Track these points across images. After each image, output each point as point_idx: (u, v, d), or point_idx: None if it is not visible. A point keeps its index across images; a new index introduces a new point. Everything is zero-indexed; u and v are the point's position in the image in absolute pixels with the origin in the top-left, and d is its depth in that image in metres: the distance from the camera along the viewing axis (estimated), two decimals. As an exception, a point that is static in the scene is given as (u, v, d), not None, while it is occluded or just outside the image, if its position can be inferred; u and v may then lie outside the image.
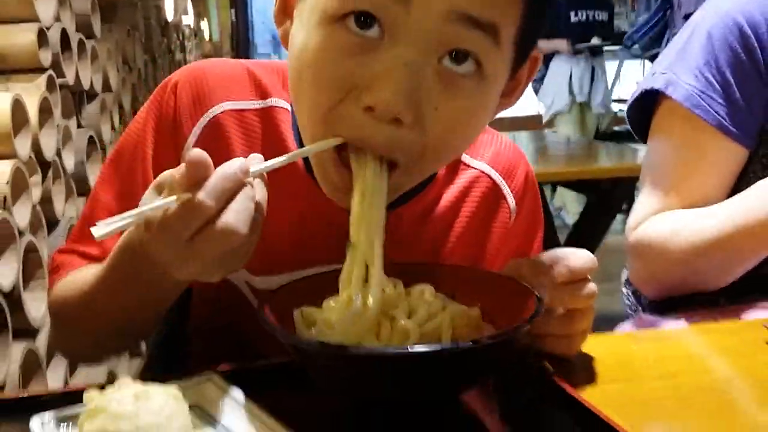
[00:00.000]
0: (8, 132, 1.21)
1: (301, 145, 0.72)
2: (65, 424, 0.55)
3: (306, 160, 0.72)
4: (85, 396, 0.52)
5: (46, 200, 1.44)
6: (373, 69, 0.57)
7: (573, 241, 2.63)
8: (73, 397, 0.59)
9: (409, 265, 0.70)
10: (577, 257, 0.67)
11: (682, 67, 1.02)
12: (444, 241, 0.78)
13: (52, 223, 1.50)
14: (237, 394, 0.61)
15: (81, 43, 1.76)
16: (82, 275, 0.70)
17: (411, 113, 0.58)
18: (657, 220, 1.02)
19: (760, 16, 0.99)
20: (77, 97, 1.79)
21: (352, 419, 0.60)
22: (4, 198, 1.18)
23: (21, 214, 1.27)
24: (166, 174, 0.56)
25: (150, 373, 0.85)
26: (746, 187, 1.01)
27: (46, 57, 1.49)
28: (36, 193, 1.36)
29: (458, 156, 0.77)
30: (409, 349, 0.52)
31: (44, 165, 1.44)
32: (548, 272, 0.67)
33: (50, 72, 1.50)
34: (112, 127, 2.04)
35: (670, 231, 0.99)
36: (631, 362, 0.74)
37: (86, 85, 1.79)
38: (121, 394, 0.51)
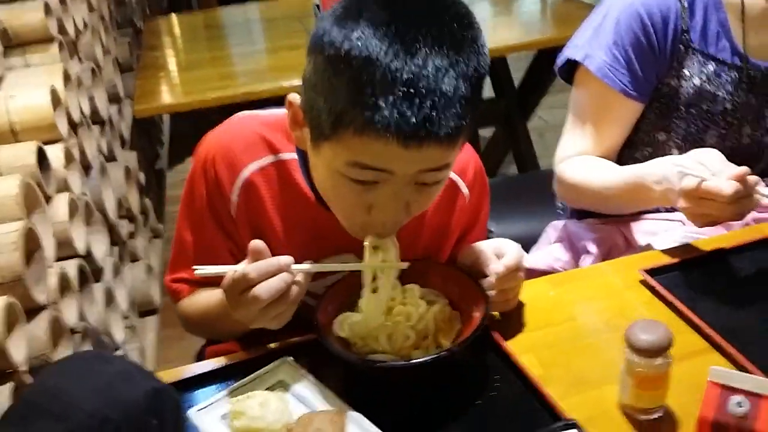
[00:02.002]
0: (53, 122, 1.47)
1: (311, 186, 1.04)
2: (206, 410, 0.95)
3: (316, 193, 1.03)
4: (230, 401, 0.91)
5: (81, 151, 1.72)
6: (375, 198, 0.90)
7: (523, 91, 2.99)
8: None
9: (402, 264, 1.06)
10: (510, 257, 1.03)
11: (596, 43, 1.34)
12: (420, 228, 1.12)
13: (86, 168, 1.79)
14: (303, 371, 1.00)
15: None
16: (197, 303, 1.10)
17: (405, 216, 0.92)
18: (576, 164, 1.38)
19: (656, 8, 1.30)
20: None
21: (376, 383, 1.00)
22: (65, 180, 1.48)
23: (75, 184, 1.56)
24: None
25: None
26: (641, 126, 1.38)
27: (53, 25, 1.69)
28: (76, 153, 1.64)
29: None
30: (411, 362, 0.92)
31: (72, 123, 1.70)
32: (491, 263, 1.04)
33: (60, 38, 1.70)
34: (102, 45, 2.24)
35: (583, 178, 1.36)
36: (545, 309, 1.12)
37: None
38: (252, 402, 0.89)
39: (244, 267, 0.89)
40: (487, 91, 3.58)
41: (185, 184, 1.10)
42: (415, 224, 1.10)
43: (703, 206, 1.10)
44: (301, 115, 0.92)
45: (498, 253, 1.06)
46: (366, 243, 0.96)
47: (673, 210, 1.44)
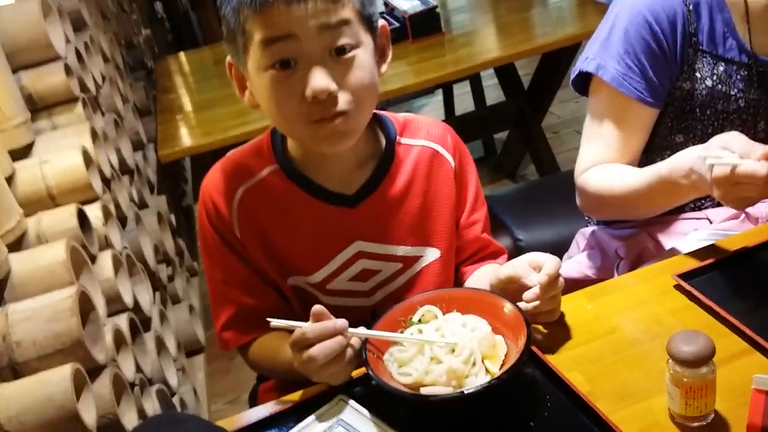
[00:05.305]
0: (88, 182, 1.52)
1: (302, 186, 1.13)
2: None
3: (301, 182, 1.14)
4: None
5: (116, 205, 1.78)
6: (302, 78, 1.00)
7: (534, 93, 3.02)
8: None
9: (441, 293, 1.11)
10: (549, 266, 1.06)
11: (607, 54, 1.37)
12: (412, 199, 1.19)
13: (122, 220, 1.84)
14: (359, 407, 1.04)
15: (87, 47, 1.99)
16: (265, 355, 1.19)
17: (333, 84, 1.00)
18: (596, 173, 1.41)
19: (663, 14, 1.33)
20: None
21: (431, 414, 1.04)
22: (105, 237, 1.53)
23: (115, 239, 1.62)
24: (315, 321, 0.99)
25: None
26: (659, 131, 1.40)
27: (75, 85, 1.75)
28: (112, 208, 1.70)
29: (372, 109, 1.12)
30: (465, 392, 0.95)
31: (104, 178, 1.76)
32: (530, 275, 1.08)
33: (82, 96, 1.76)
34: (121, 94, 2.30)
35: (605, 185, 1.38)
36: (585, 323, 1.14)
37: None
38: None
39: (305, 327, 0.97)
40: (497, 94, 3.63)
41: (197, 233, 1.19)
42: (401, 193, 1.18)
43: (739, 191, 1.10)
44: (237, 68, 1.08)
45: (534, 265, 1.09)
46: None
47: (699, 208, 1.46)
